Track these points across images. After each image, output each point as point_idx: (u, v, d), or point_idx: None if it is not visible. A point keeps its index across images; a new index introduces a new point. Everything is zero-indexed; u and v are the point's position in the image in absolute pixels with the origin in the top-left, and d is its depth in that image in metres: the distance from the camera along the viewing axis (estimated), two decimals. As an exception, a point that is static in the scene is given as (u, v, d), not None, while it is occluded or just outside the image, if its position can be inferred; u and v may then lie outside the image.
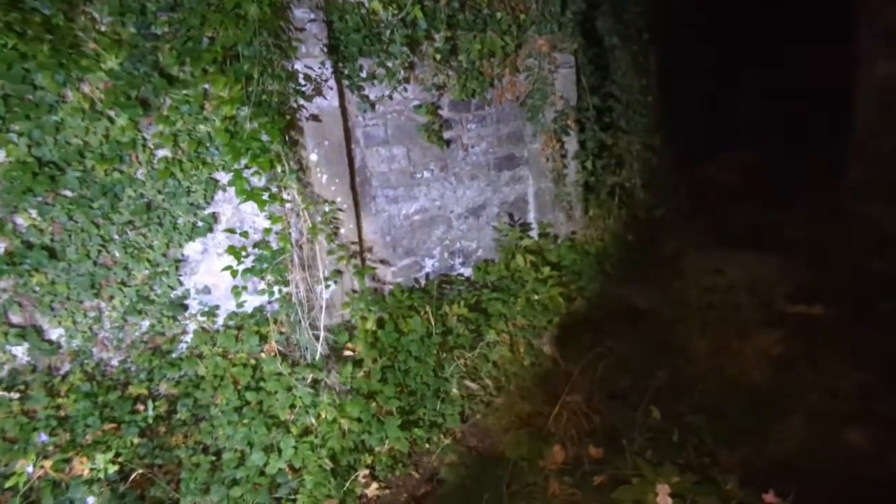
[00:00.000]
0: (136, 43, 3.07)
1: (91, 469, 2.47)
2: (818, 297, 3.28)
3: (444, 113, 4.08)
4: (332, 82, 3.46)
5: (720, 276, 3.62)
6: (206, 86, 3.21)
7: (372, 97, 3.73)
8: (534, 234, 4.62)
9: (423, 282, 4.17)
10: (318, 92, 3.43)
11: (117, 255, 3.26)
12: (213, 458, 2.82)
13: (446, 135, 4.10)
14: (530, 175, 4.60)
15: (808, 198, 4.62)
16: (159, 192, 3.29)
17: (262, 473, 2.74)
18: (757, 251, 3.81)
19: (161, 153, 3.25)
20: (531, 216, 4.67)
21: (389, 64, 3.66)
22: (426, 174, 4.11)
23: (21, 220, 2.99)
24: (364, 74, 3.63)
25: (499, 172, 4.47)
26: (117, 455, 2.59)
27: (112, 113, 3.08)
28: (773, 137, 5.86)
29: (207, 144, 3.33)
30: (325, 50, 3.40)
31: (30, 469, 2.37)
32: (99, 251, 3.21)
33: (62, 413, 2.89)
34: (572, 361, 2.97)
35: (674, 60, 5.28)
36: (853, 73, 3.89)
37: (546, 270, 4.00)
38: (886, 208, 3.88)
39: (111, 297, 3.27)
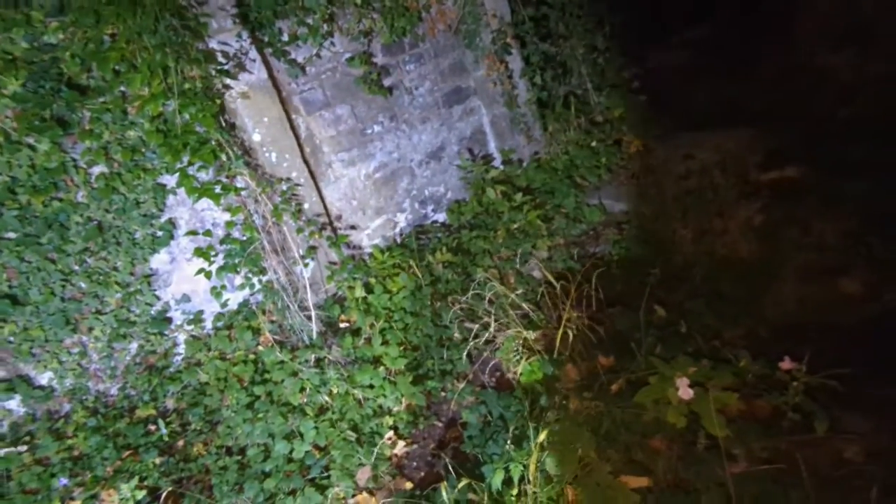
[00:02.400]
0: (32, 58, 2.82)
1: (120, 500, 2.45)
2: (790, 160, 3.28)
3: (379, 59, 3.87)
4: (253, 53, 3.23)
5: (691, 161, 3.59)
6: (123, 88, 2.99)
7: (300, 60, 3.51)
8: (498, 163, 4.53)
9: (399, 238, 4.10)
10: (242, 67, 3.21)
11: (83, 285, 3.13)
12: (239, 457, 2.83)
13: (386, 82, 3.91)
14: (482, 104, 4.45)
15: (763, 63, 4.54)
16: (107, 210, 3.13)
17: (290, 460, 2.75)
18: (723, 127, 3.77)
19: (97, 170, 3.06)
20: (492, 146, 4.56)
21: (309, 20, 3.42)
22: (377, 128, 3.95)
23: (-31, 275, 2.83)
24: (285, 38, 3.39)
25: (449, 109, 4.32)
26: (142, 479, 2.57)
27: (31, 140, 2.87)
28: (720, 10, 5.69)
29: (143, 150, 3.14)
30: (237, 20, 3.16)
31: (55, 515, 2.34)
32: (63, 286, 3.07)
33: (76, 453, 2.85)
34: (564, 279, 2.96)
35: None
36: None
37: (518, 197, 3.93)
38: (839, 56, 3.84)
39: (90, 329, 3.17)
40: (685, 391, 1.82)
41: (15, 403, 3.03)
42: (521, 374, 2.44)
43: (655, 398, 1.88)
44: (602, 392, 2.10)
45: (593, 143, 4.46)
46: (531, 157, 4.59)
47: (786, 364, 1.95)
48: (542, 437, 1.83)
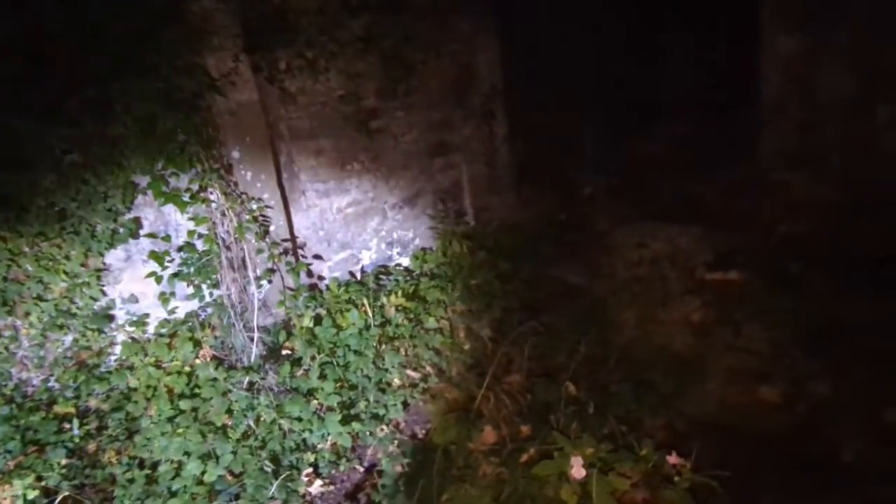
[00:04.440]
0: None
1: (11, 497, 2.35)
2: (734, 263, 3.47)
3: (371, 102, 4.02)
4: (248, 76, 3.35)
5: (644, 250, 3.77)
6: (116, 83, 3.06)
7: (293, 89, 3.64)
8: (470, 219, 4.66)
9: (359, 274, 4.15)
10: (235, 86, 3.32)
11: (30, 268, 3.09)
12: (149, 471, 2.75)
13: (374, 124, 4.05)
14: (463, 161, 4.62)
15: (729, 168, 4.83)
16: (73, 199, 3.13)
17: (200, 482, 2.69)
18: (679, 223, 3.98)
19: (70, 157, 3.07)
20: (466, 202, 4.70)
21: (308, 55, 3.57)
22: (356, 166, 4.07)
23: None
24: (282, 66, 3.53)
25: (431, 160, 4.47)
26: (39, 479, 2.48)
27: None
28: (700, 111, 6.07)
29: (121, 147, 3.17)
30: (238, 42, 3.29)
31: (-61, 503, 2.24)
32: (8, 266, 3.03)
33: (-20, 440, 2.74)
34: (508, 342, 3.03)
35: (598, 40, 5.39)
36: (758, 48, 4.07)
37: (482, 255, 4.05)
38: (795, 174, 4.12)
39: (27, 314, 3.10)
40: (578, 470, 1.88)
41: (-71, 378, 2.92)
42: (434, 429, 2.47)
43: (555, 472, 1.93)
44: (511, 460, 2.14)
45: (562, 216, 4.64)
46: (502, 218, 4.73)
47: (672, 458, 2.03)
48: (445, 497, 1.85)
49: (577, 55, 5.10)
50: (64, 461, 2.69)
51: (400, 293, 3.73)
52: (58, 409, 3.00)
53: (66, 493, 2.47)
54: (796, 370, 2.77)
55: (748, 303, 3.21)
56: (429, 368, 3.26)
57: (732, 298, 3.24)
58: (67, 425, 2.89)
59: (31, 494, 2.34)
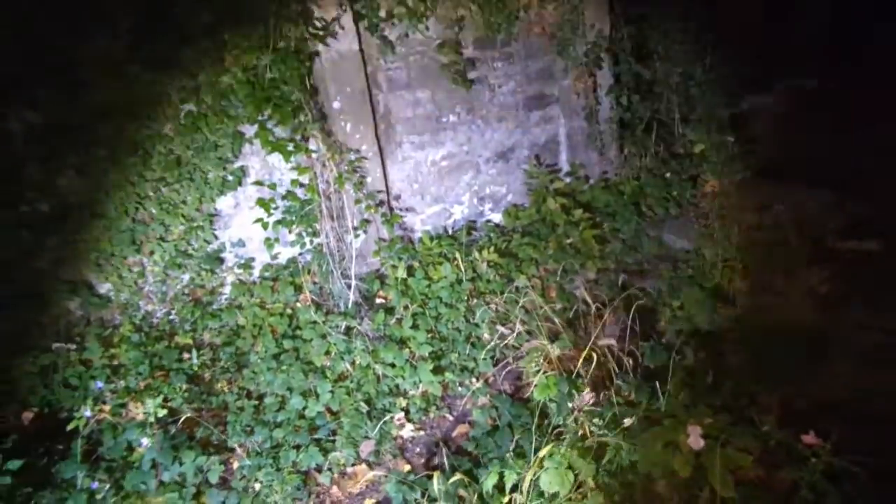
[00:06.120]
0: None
1: (144, 413, 2.62)
2: (871, 232, 3.06)
3: (469, 52, 3.89)
4: (349, 24, 3.33)
5: (766, 213, 3.42)
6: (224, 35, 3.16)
7: (392, 38, 3.59)
8: (566, 176, 4.46)
9: (452, 229, 4.13)
10: (336, 36, 3.31)
11: (154, 211, 3.35)
12: (256, 402, 2.96)
13: (471, 75, 3.93)
14: (562, 114, 4.39)
15: (866, 129, 4.24)
16: (188, 147, 3.32)
17: (301, 416, 2.86)
18: (806, 184, 3.56)
19: (186, 108, 3.25)
20: (563, 157, 4.50)
21: (409, 1, 3.48)
22: (452, 118, 3.99)
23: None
24: (382, 14, 3.47)
25: (528, 113, 4.29)
26: (167, 400, 2.74)
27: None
28: (830, 66, 5.35)
29: (230, 97, 3.30)
30: (341, -11, 3.26)
31: (87, 413, 2.53)
32: (137, 208, 3.30)
33: (115, 362, 3.07)
34: (604, 305, 2.90)
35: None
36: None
37: (578, 213, 3.87)
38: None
39: (151, 253, 3.38)
40: (696, 440, 1.76)
41: (75, 305, 3.29)
42: (535, 386, 2.43)
43: (665, 440, 1.82)
44: (614, 423, 2.06)
45: (667, 175, 4.32)
46: (600, 175, 4.50)
47: (809, 438, 1.84)
48: (543, 452, 1.82)
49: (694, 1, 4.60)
50: (184, 386, 2.95)
51: (492, 249, 3.68)
52: (178, 339, 3.29)
53: (189, 415, 2.70)
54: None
55: (887, 277, 2.82)
56: (519, 326, 3.20)
57: (869, 271, 2.87)
58: (187, 355, 3.16)
59: (161, 412, 2.59)
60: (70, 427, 2.51)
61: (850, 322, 2.69)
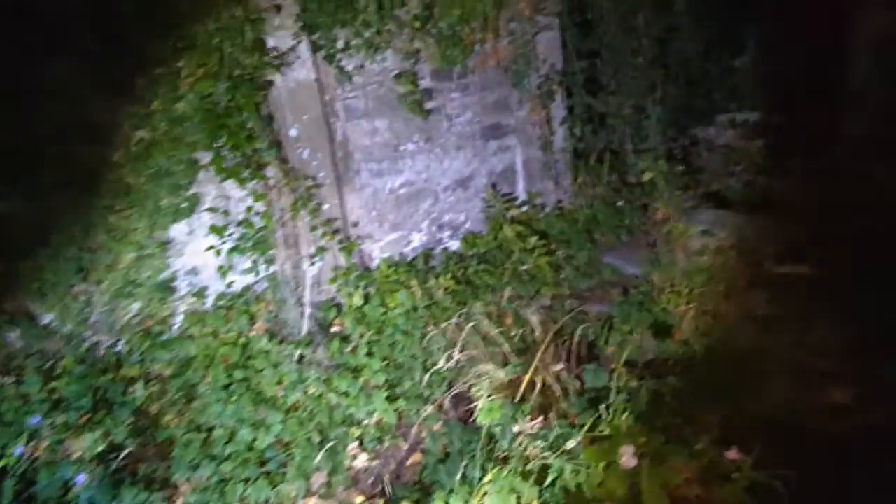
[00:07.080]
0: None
1: (82, 448, 2.52)
2: (807, 257, 3.24)
3: (426, 82, 4.00)
4: (307, 54, 3.39)
5: (709, 238, 3.58)
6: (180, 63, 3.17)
7: (349, 68, 3.66)
8: (523, 204, 4.57)
9: (410, 256, 4.16)
10: (293, 65, 3.37)
11: (102, 238, 3.27)
12: (205, 435, 2.87)
13: (429, 105, 4.02)
14: (518, 144, 4.53)
15: (804, 156, 4.51)
16: (140, 174, 3.28)
17: (251, 448, 2.79)
18: (748, 212, 3.75)
19: (139, 134, 3.22)
20: (520, 186, 4.62)
21: (366, 34, 3.57)
22: (410, 146, 4.06)
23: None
24: (340, 45, 3.55)
25: (486, 142, 4.40)
26: (107, 434, 2.64)
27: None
28: (772, 98, 5.70)
29: (185, 124, 3.29)
30: (299, 21, 3.33)
31: (20, 450, 2.42)
32: (84, 235, 3.22)
33: (56, 396, 2.94)
34: (557, 330, 2.96)
35: (668, 20, 5.12)
36: (848, 27, 3.74)
37: (533, 240, 3.96)
38: (883, 164, 3.78)
39: (99, 282, 3.29)
40: (629, 459, 1.81)
41: (14, 336, 3.15)
42: (479, 410, 2.45)
43: (603, 459, 1.86)
44: (556, 445, 2.09)
45: (619, 203, 4.48)
46: (555, 204, 4.62)
47: (732, 454, 1.91)
48: (489, 477, 1.83)
49: (643, 37, 4.85)
50: (129, 420, 2.85)
51: (449, 276, 3.72)
52: (124, 371, 3.18)
53: (131, 449, 2.61)
54: (871, 372, 2.56)
55: (820, 299, 2.98)
56: (475, 352, 3.22)
57: (803, 294, 3.02)
58: (133, 388, 3.06)
59: (100, 447, 2.49)
60: (0, 464, 2.39)
61: (786, 342, 2.82)
